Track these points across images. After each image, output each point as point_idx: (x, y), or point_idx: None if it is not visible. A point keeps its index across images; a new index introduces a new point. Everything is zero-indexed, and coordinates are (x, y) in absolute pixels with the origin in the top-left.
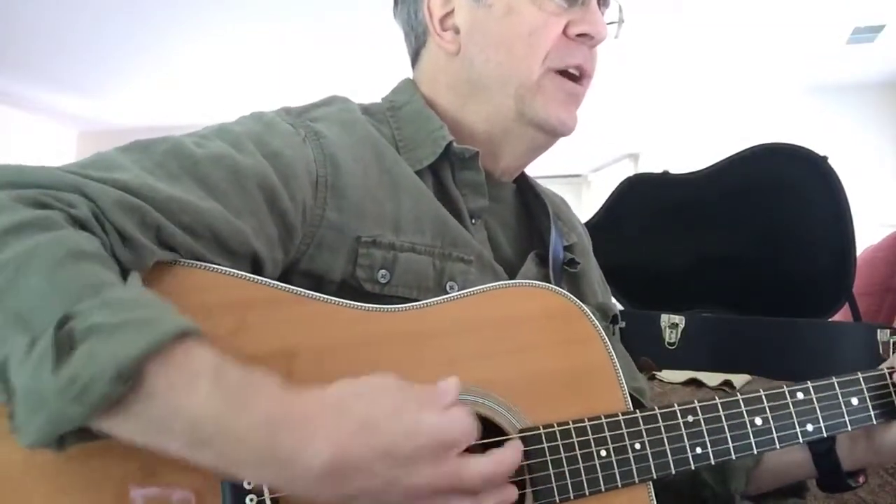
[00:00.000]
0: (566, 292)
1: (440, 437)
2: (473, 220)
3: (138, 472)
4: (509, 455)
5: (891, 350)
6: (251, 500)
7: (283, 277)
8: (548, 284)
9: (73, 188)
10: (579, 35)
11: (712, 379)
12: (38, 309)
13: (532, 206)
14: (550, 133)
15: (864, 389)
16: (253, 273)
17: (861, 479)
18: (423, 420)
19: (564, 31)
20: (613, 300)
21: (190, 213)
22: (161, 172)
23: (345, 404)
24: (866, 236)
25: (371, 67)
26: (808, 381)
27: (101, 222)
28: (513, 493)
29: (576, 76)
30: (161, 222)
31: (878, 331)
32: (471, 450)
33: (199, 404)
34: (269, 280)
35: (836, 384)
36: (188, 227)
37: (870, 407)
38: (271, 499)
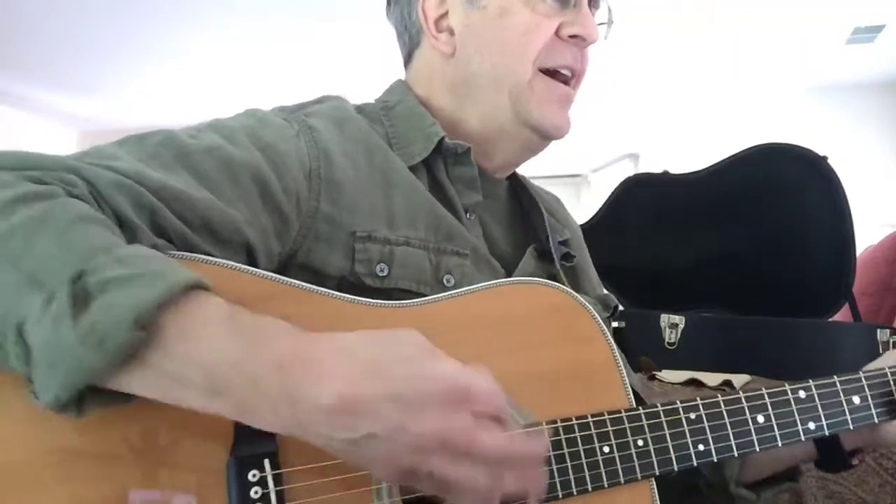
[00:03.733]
0: (569, 289)
1: (452, 385)
2: (468, 215)
3: (138, 475)
4: (534, 440)
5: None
6: (255, 492)
7: (282, 271)
8: (551, 282)
9: (71, 170)
10: (571, 36)
11: (712, 379)
12: (52, 268)
13: (525, 202)
14: (545, 136)
15: (866, 388)
16: (248, 263)
17: (860, 458)
18: (436, 366)
19: (557, 33)
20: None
21: (182, 201)
22: (155, 162)
23: (356, 347)
24: (866, 236)
25: (371, 68)
26: (811, 380)
27: (99, 202)
28: (540, 480)
29: (567, 77)
30: (155, 205)
31: (878, 331)
32: None
33: (213, 350)
34: (271, 273)
35: (837, 382)
36: (180, 215)
37: (871, 406)
38: (276, 491)
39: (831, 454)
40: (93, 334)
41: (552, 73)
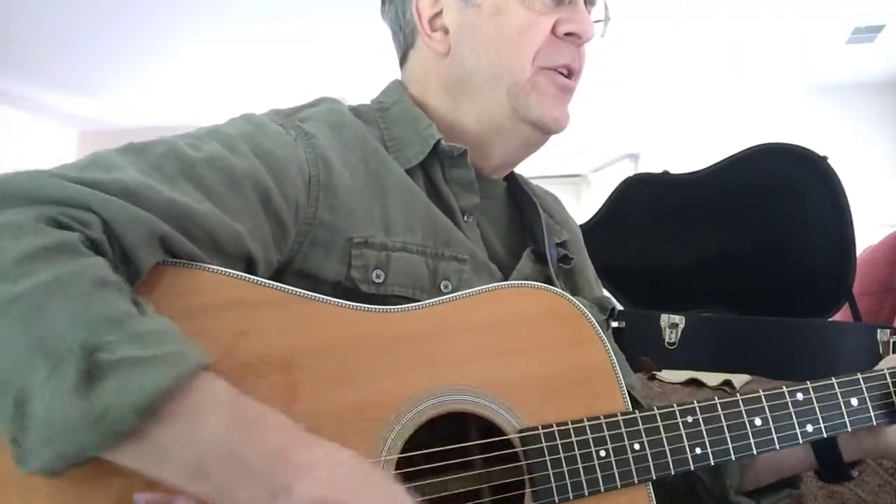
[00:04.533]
0: (565, 292)
1: None
2: (466, 218)
3: (142, 478)
4: None
5: (891, 350)
6: None
7: (277, 277)
8: (547, 285)
9: (85, 206)
10: (567, 34)
11: (712, 379)
12: (60, 338)
13: (523, 204)
14: (544, 131)
15: (864, 390)
16: (247, 272)
17: (860, 469)
18: None
19: (553, 31)
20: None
21: (189, 217)
22: (158, 175)
23: (351, 462)
24: (866, 236)
25: (370, 68)
26: (808, 382)
27: (111, 240)
28: None
29: (565, 74)
30: (165, 231)
31: (878, 331)
32: (471, 450)
33: (209, 434)
34: (270, 281)
35: (835, 384)
36: (187, 232)
37: (870, 408)
38: None
39: (831, 464)
40: (104, 418)
41: (551, 70)
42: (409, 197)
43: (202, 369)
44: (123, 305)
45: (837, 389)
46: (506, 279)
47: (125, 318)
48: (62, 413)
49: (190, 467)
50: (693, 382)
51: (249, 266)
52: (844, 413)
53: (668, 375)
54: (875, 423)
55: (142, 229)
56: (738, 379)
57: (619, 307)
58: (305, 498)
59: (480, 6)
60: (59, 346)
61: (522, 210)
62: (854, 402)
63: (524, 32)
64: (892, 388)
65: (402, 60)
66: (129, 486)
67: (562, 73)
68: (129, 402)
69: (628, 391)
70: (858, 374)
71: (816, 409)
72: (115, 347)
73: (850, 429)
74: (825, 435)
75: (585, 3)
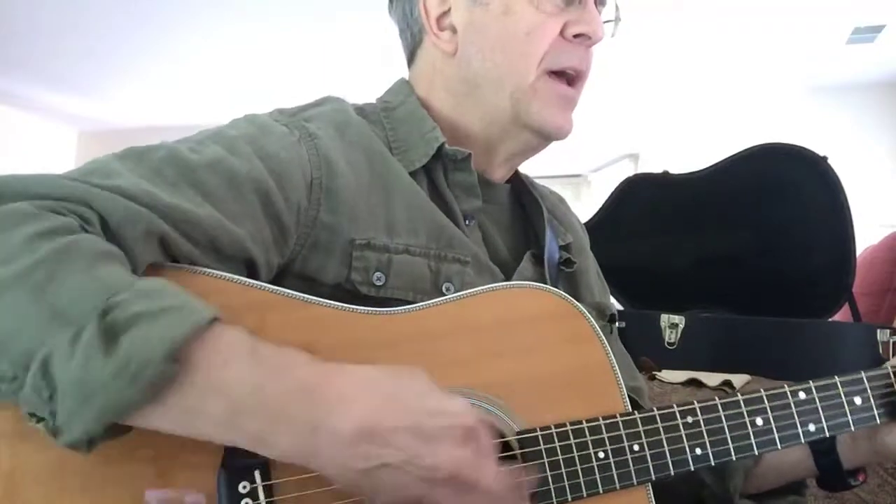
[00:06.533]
0: (564, 293)
1: (463, 422)
2: (468, 221)
3: (153, 474)
4: (525, 476)
5: (891, 350)
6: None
7: (278, 279)
8: (546, 286)
9: (83, 201)
10: (576, 36)
11: (712, 379)
12: (78, 303)
13: (527, 206)
14: (546, 137)
15: (868, 389)
16: (247, 276)
17: (861, 478)
18: (450, 404)
19: (562, 32)
20: (613, 300)
21: (190, 222)
22: (159, 180)
23: (376, 379)
24: (866, 236)
25: (371, 68)
26: (811, 381)
27: (108, 236)
28: None
29: (571, 76)
30: (164, 231)
31: (878, 331)
32: None
33: (237, 379)
34: (267, 285)
35: (838, 384)
36: (188, 235)
37: (873, 406)
38: (267, 501)
39: (831, 471)
40: (126, 369)
41: (557, 74)
42: (413, 199)
43: (216, 318)
44: (127, 273)
45: (840, 388)
46: (508, 281)
47: (132, 280)
48: (87, 375)
49: (223, 417)
50: (693, 382)
51: (250, 269)
52: (847, 412)
53: (667, 375)
54: (879, 422)
55: (139, 226)
56: (738, 379)
57: (620, 308)
58: (346, 427)
59: (488, 5)
60: (76, 312)
61: (527, 213)
62: (857, 400)
63: (532, 33)
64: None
65: (410, 59)
66: (140, 485)
67: (567, 78)
68: (150, 350)
69: (633, 395)
70: (862, 373)
71: (819, 408)
72: (127, 305)
73: (853, 428)
74: (827, 434)
75: (595, 3)
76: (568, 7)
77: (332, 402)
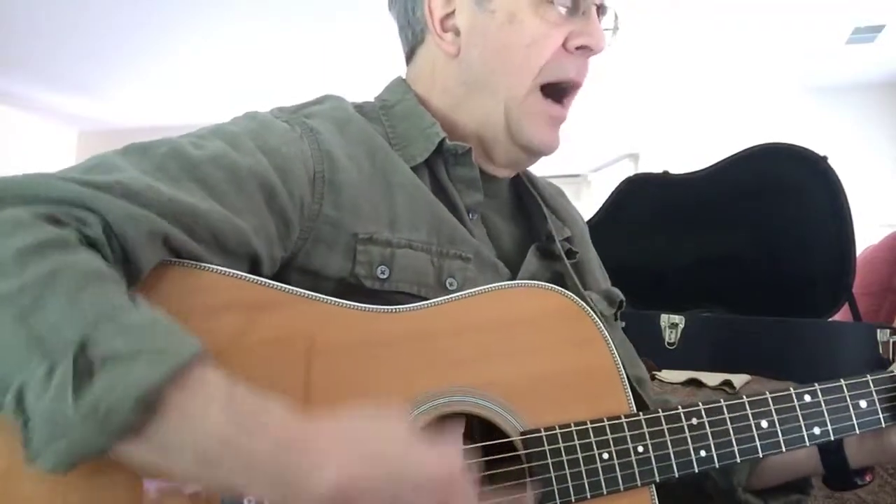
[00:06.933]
0: (570, 293)
1: (444, 476)
2: (471, 216)
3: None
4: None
5: (890, 350)
6: None
7: (280, 274)
8: (553, 285)
9: (83, 204)
10: (579, 48)
11: (712, 379)
12: (57, 333)
13: (527, 199)
14: (534, 154)
15: (874, 392)
16: (250, 272)
17: (868, 478)
18: (429, 458)
19: (564, 44)
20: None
21: (192, 216)
22: (161, 175)
23: (354, 435)
24: (866, 236)
25: (371, 68)
26: (816, 384)
27: (110, 239)
28: None
29: (565, 89)
30: (167, 230)
31: (878, 331)
32: (473, 452)
33: (210, 428)
34: (273, 281)
35: (844, 386)
36: (191, 231)
37: (879, 410)
38: None
39: (837, 471)
40: (95, 414)
41: (551, 86)
42: (415, 194)
43: (195, 362)
44: (116, 298)
45: (846, 391)
46: (513, 276)
47: (117, 312)
48: (56, 413)
49: (192, 465)
50: (693, 382)
51: (254, 264)
52: (853, 415)
53: (667, 375)
54: (884, 426)
55: (142, 227)
56: (738, 379)
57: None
58: (321, 491)
59: (494, 12)
60: (55, 341)
61: (527, 206)
62: (863, 403)
63: (535, 44)
64: None
65: (409, 57)
66: (138, 475)
67: (562, 89)
68: (118, 397)
69: (636, 389)
70: (868, 376)
71: (824, 411)
72: (107, 340)
73: (858, 431)
74: (832, 438)
75: (597, 12)
76: (571, 17)
77: (307, 462)
